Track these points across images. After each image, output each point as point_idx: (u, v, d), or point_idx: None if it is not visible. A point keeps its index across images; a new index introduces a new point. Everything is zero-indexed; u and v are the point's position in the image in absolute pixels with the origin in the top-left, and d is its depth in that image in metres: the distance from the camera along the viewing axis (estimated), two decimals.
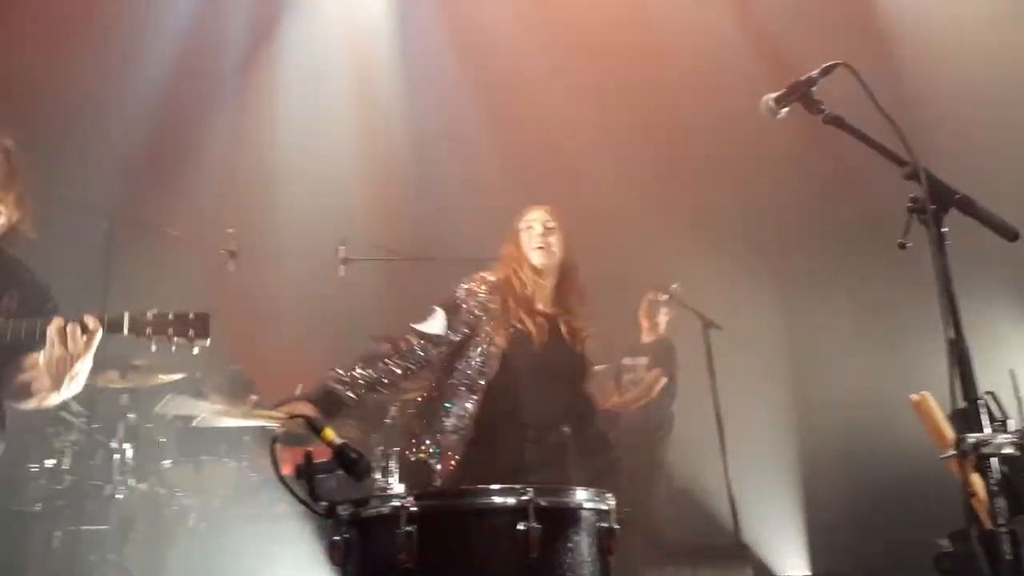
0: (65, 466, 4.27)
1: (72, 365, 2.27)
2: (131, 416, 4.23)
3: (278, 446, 2.14)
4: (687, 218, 5.59)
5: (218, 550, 3.85)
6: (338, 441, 2.04)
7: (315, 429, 2.04)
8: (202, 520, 4.03)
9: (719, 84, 5.28)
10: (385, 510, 1.93)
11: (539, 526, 1.89)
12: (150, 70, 5.19)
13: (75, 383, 2.34)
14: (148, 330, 2.34)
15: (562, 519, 1.96)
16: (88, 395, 4.16)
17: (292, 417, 2.05)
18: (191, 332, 2.37)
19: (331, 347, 5.31)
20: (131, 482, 4.20)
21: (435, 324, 2.99)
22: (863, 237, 5.29)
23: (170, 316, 2.36)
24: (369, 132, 5.71)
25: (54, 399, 2.40)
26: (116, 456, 4.12)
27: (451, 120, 5.62)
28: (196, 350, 2.41)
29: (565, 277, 3.12)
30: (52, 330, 2.24)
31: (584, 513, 2.01)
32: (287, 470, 2.04)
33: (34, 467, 4.35)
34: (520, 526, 1.87)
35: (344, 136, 5.69)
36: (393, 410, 4.42)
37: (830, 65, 1.91)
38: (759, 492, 5.35)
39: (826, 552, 5.49)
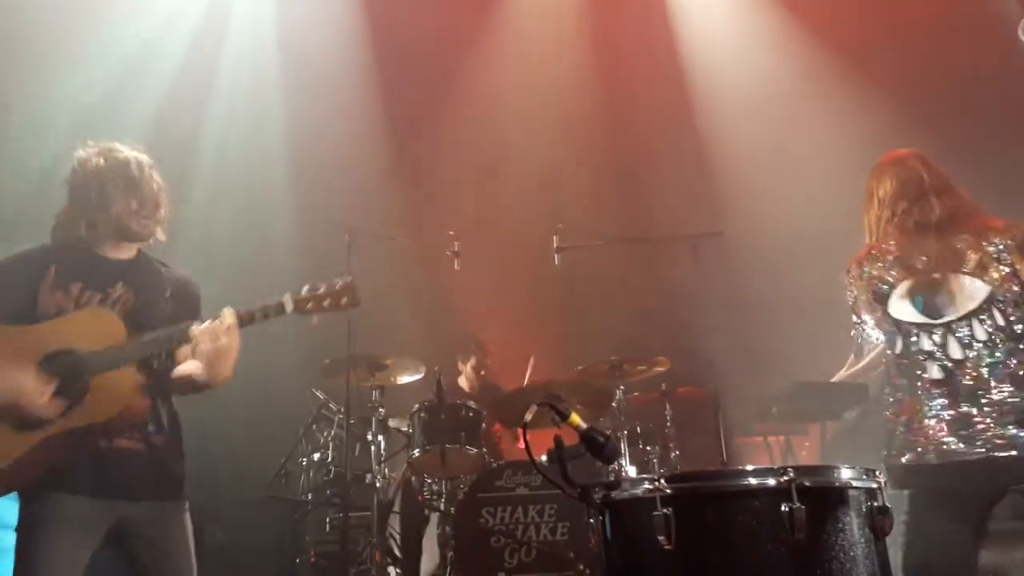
0: (329, 458, 4.73)
1: (223, 357, 2.44)
2: (381, 411, 4.58)
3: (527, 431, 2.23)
4: None
5: (468, 532, 4.07)
6: (584, 426, 2.08)
7: (561, 414, 2.09)
8: (451, 504, 4.28)
9: None
10: (639, 493, 1.93)
11: (803, 507, 1.80)
12: (371, 85, 5.58)
13: (227, 371, 2.49)
14: (309, 305, 2.47)
15: (828, 499, 1.86)
16: (344, 393, 4.58)
17: (540, 404, 2.10)
18: (344, 300, 2.49)
19: (554, 333, 5.46)
20: (386, 471, 4.56)
21: None
22: None
23: (322, 289, 2.49)
24: (572, 118, 5.75)
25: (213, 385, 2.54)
26: (372, 448, 4.48)
27: (653, 98, 5.52)
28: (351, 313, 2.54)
29: None
30: (203, 330, 2.41)
31: (852, 493, 1.89)
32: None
33: (304, 460, 4.87)
34: (783, 507, 1.80)
35: (548, 126, 5.77)
36: (619, 393, 4.44)
37: None
38: None
39: None
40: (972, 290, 2.53)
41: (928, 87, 5.12)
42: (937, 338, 2.52)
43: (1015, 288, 2.52)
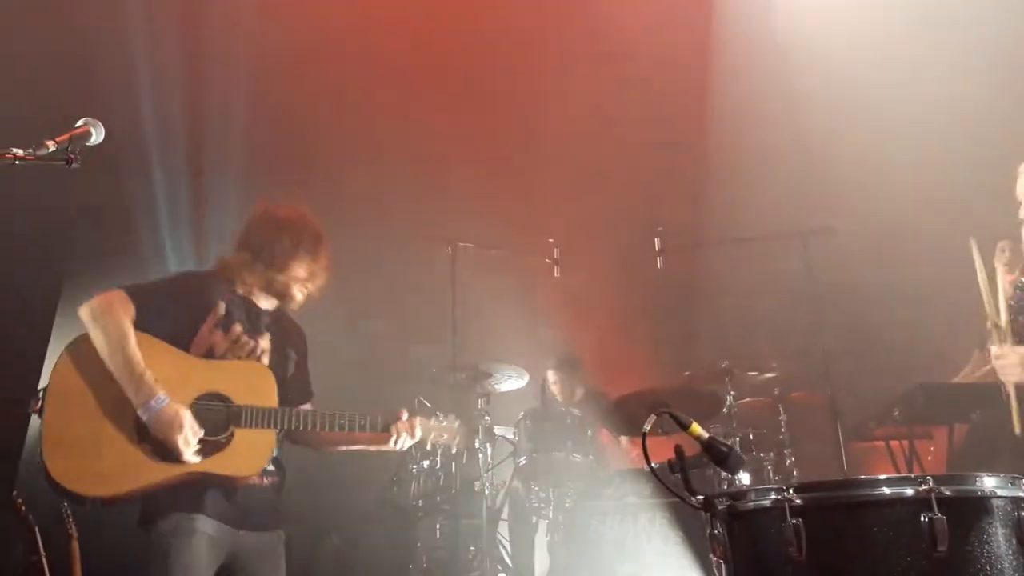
0: (438, 466, 4.80)
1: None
2: (487, 418, 4.61)
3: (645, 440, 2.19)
4: None
5: (577, 540, 4.05)
6: (706, 435, 2.03)
7: (682, 424, 2.04)
8: (559, 512, 4.27)
9: None
10: (766, 503, 1.87)
11: (944, 517, 1.70)
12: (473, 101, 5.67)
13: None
14: (432, 434, 2.94)
15: (970, 509, 1.76)
16: (448, 400, 4.64)
17: (659, 413, 2.07)
18: (457, 439, 3.00)
19: (658, 338, 5.37)
20: (494, 478, 4.59)
21: None
22: None
23: (445, 422, 2.99)
24: (670, 118, 5.66)
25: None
26: (480, 455, 4.51)
27: (753, 93, 5.37)
28: (454, 450, 3.15)
29: None
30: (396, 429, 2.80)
31: (996, 502, 1.77)
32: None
33: (414, 467, 4.96)
34: (923, 518, 1.70)
35: (645, 125, 5.69)
36: (729, 399, 4.32)
37: None
38: None
39: None
40: None
41: None
42: None
43: None
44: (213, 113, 5.22)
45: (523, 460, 4.39)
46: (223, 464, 2.52)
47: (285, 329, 2.82)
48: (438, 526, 4.83)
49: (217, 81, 5.03)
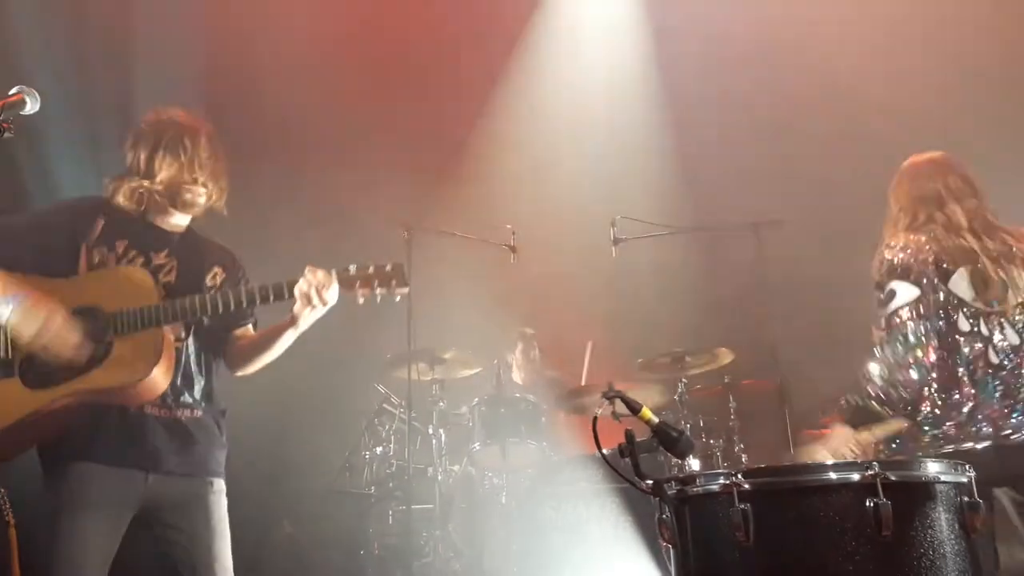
0: (391, 452, 4.78)
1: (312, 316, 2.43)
2: (442, 404, 4.60)
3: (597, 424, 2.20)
4: None
5: (530, 526, 4.07)
6: (656, 420, 2.04)
7: (632, 408, 2.05)
8: (513, 498, 4.29)
9: None
10: (714, 488, 1.89)
11: (889, 502, 1.74)
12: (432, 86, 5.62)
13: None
14: (357, 283, 2.42)
15: (915, 494, 1.80)
16: (404, 387, 4.62)
17: (610, 396, 2.07)
18: (392, 282, 2.44)
19: (613, 326, 5.41)
20: (447, 465, 4.58)
21: None
22: None
23: (371, 269, 2.44)
24: (628, 108, 5.69)
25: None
26: (433, 441, 4.51)
27: (715, 84, 5.42)
28: (398, 298, 2.48)
29: None
30: (301, 288, 2.38)
31: (940, 487, 1.82)
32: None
33: (367, 454, 4.93)
34: (868, 502, 1.74)
35: (603, 115, 5.72)
36: (681, 386, 4.38)
37: None
38: None
39: None
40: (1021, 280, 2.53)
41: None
42: (993, 324, 2.51)
43: None
44: (159, 99, 5.07)
45: (477, 446, 4.40)
46: (106, 376, 2.24)
47: (199, 250, 2.57)
48: (391, 512, 4.81)
49: (165, 61, 4.86)
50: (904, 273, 2.58)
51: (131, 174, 2.51)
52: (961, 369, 2.50)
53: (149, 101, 2.81)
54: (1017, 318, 2.50)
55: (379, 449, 4.83)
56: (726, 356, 4.43)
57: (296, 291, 2.39)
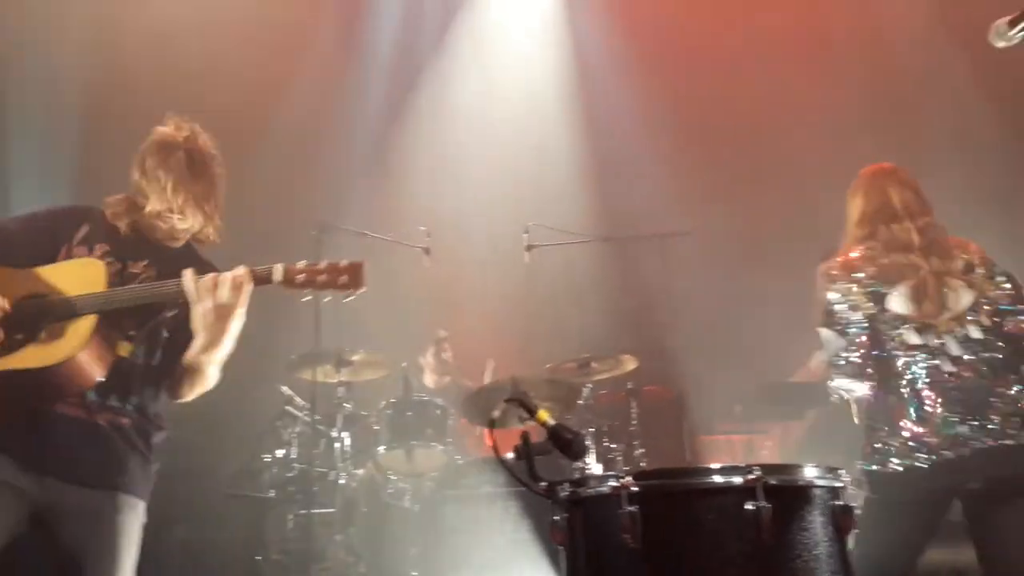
0: (293, 455, 4.67)
1: (223, 318, 2.19)
2: (347, 406, 4.54)
3: (494, 428, 2.22)
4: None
5: (432, 529, 4.06)
6: (552, 422, 2.07)
7: (529, 410, 2.08)
8: (416, 502, 4.26)
9: None
10: (605, 490, 1.93)
11: (769, 505, 1.82)
12: (346, 80, 5.55)
13: (227, 340, 2.23)
14: (300, 278, 2.23)
15: (793, 498, 1.88)
16: (309, 389, 4.53)
17: (508, 400, 2.09)
18: (343, 279, 2.24)
19: (523, 331, 5.46)
20: (351, 468, 4.52)
21: None
22: None
23: (321, 266, 2.24)
24: (545, 116, 5.77)
25: (210, 363, 2.27)
26: (337, 445, 4.44)
27: (627, 97, 5.55)
28: (349, 298, 2.29)
29: None
30: (190, 283, 2.18)
31: (816, 491, 1.91)
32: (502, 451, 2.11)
33: (267, 457, 4.81)
34: (749, 505, 1.81)
35: (519, 122, 5.78)
36: (586, 391, 4.46)
37: None
38: None
39: None
40: (961, 296, 2.64)
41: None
42: (926, 341, 2.60)
43: (996, 301, 2.63)
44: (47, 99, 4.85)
45: (382, 449, 4.35)
46: (21, 358, 2.14)
47: (188, 266, 2.34)
48: (291, 517, 4.71)
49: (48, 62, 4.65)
50: (837, 322, 2.70)
51: (130, 197, 2.39)
52: (903, 382, 2.60)
53: None
54: (956, 332, 2.58)
55: (280, 452, 4.71)
56: (630, 363, 4.52)
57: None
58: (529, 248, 4.63)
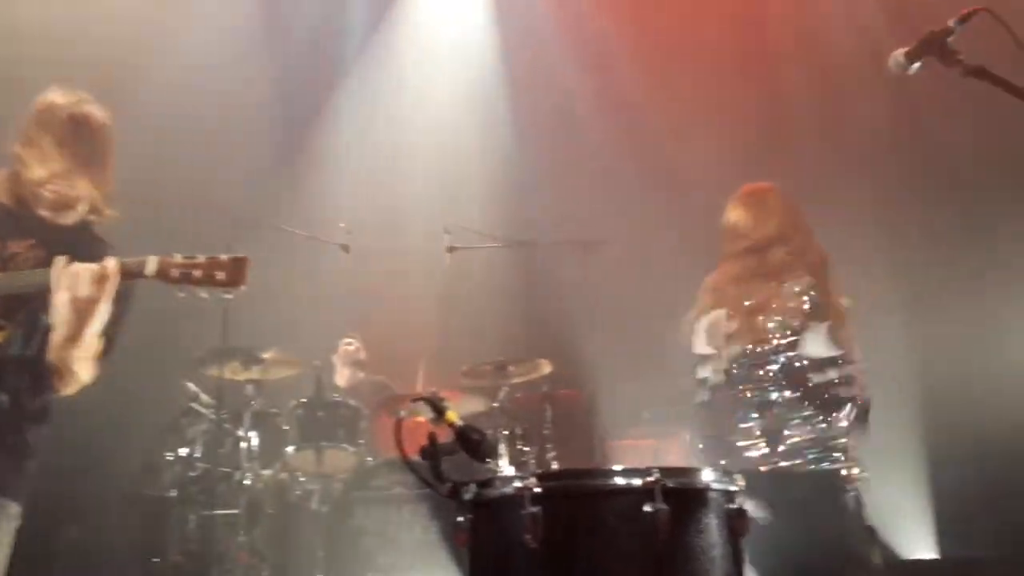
0: (197, 454, 4.51)
1: (81, 311, 2.01)
2: (254, 404, 4.42)
3: (402, 428, 2.20)
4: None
5: (340, 532, 4.00)
6: (460, 423, 2.06)
7: (438, 410, 2.06)
8: (325, 504, 4.19)
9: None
10: (508, 491, 1.92)
11: (667, 507, 1.85)
12: (267, 73, 5.42)
13: (88, 335, 2.03)
14: (175, 272, 2.05)
15: (690, 500, 1.91)
16: (215, 386, 4.39)
17: (416, 399, 2.07)
18: (220, 275, 2.06)
19: (442, 332, 5.43)
20: (258, 469, 4.40)
21: None
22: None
23: (200, 259, 2.06)
24: (470, 119, 5.76)
25: (74, 359, 2.06)
26: (243, 444, 4.31)
27: (555, 102, 5.60)
28: (230, 296, 2.16)
29: None
30: (56, 273, 2.01)
31: (712, 494, 1.95)
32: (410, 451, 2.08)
33: (169, 455, 4.62)
34: (647, 507, 1.84)
35: (444, 124, 5.76)
36: (501, 393, 4.47)
37: (969, 11, 1.78)
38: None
39: (955, 535, 5.19)
40: (776, 326, 2.87)
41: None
42: (741, 365, 2.88)
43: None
44: None
45: (291, 450, 4.26)
46: None
47: (84, 249, 2.16)
48: (193, 517, 4.54)
49: None
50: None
51: (12, 171, 2.20)
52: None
53: None
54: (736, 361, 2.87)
55: (184, 451, 4.54)
56: (546, 367, 4.56)
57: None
58: (450, 250, 4.62)
